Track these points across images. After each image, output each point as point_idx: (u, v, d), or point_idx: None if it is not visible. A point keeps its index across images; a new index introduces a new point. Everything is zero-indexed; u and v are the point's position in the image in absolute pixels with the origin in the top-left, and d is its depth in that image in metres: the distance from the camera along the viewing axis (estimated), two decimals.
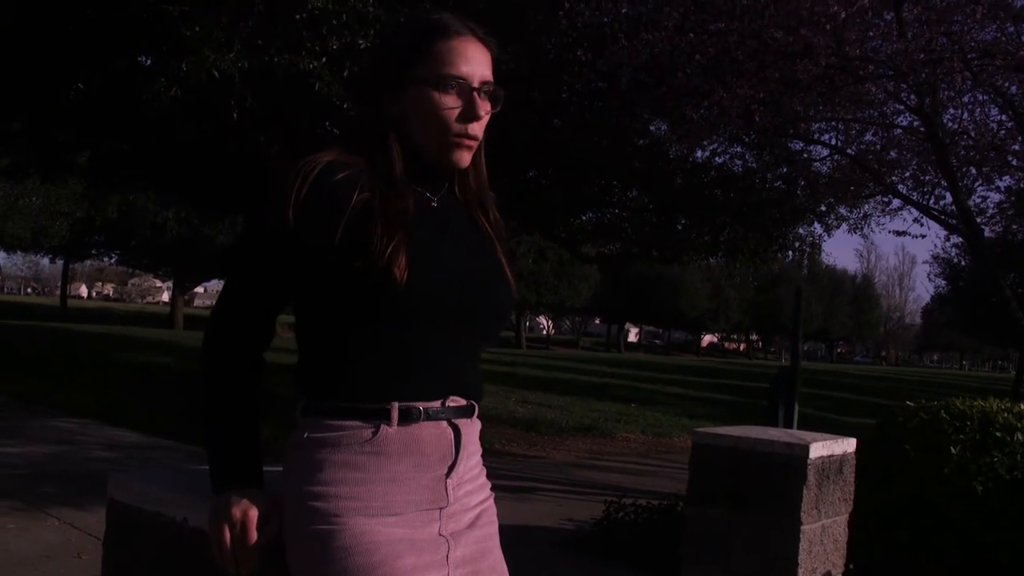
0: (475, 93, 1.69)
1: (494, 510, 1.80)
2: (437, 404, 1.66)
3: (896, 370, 76.67)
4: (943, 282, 38.26)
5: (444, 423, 1.67)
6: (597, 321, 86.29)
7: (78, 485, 6.99)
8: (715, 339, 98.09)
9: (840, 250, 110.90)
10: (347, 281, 1.60)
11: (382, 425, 1.61)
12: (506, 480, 8.51)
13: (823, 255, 70.67)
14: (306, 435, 1.64)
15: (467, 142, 1.71)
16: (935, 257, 35.90)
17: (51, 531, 5.77)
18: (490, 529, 1.77)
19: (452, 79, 1.67)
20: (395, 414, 1.62)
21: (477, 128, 1.72)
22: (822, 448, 3.80)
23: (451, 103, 1.68)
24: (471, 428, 1.73)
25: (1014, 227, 14.91)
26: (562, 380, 24.23)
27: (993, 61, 7.05)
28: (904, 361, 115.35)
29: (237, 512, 1.60)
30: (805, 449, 3.72)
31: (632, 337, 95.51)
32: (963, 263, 32.35)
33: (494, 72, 1.75)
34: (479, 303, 1.71)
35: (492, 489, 1.83)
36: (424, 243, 1.64)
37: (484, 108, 1.71)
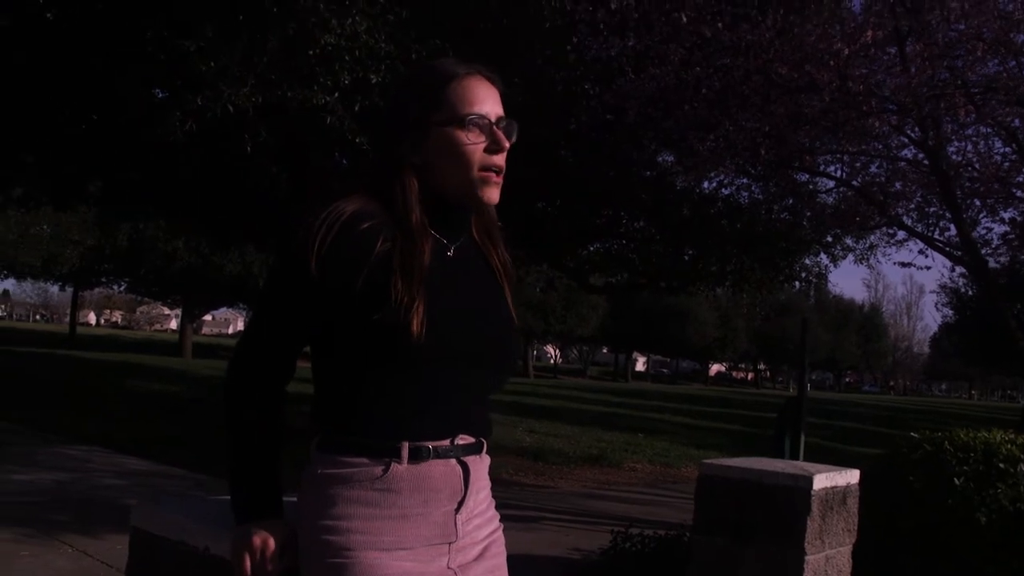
0: (495, 127, 1.77)
1: (503, 541, 1.86)
2: (446, 443, 1.72)
3: (904, 400, 76.40)
4: (950, 311, 38.28)
5: (453, 460, 1.73)
6: (605, 350, 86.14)
7: (90, 512, 7.05)
8: (723, 368, 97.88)
9: (848, 279, 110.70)
10: (365, 328, 1.66)
11: (392, 463, 1.68)
12: (513, 510, 8.54)
13: (829, 285, 70.72)
14: (320, 471, 1.70)
15: (495, 177, 1.78)
16: (942, 287, 35.94)
17: (64, 558, 5.82)
18: (498, 561, 1.83)
19: (473, 116, 1.75)
20: (405, 452, 1.68)
21: (502, 160, 1.78)
22: (826, 479, 3.85)
23: (475, 139, 1.75)
24: (480, 464, 1.80)
25: (1022, 257, 14.92)
26: (569, 409, 24.22)
27: (996, 95, 7.13)
28: (912, 390, 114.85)
29: (257, 541, 1.67)
30: (809, 481, 3.77)
31: (640, 366, 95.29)
32: (970, 292, 32.35)
33: (503, 105, 1.83)
34: (489, 352, 1.78)
35: (500, 520, 1.89)
36: (440, 295, 1.70)
37: (506, 140, 1.78)
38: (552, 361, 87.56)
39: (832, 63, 6.67)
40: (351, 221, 1.68)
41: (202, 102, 6.95)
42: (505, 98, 1.83)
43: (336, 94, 7.50)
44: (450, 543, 1.72)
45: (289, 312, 1.73)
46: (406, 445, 1.68)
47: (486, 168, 1.77)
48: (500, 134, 1.77)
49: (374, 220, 1.70)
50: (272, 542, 1.68)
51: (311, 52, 7.06)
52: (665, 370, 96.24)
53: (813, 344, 70.19)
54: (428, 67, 1.85)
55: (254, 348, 1.76)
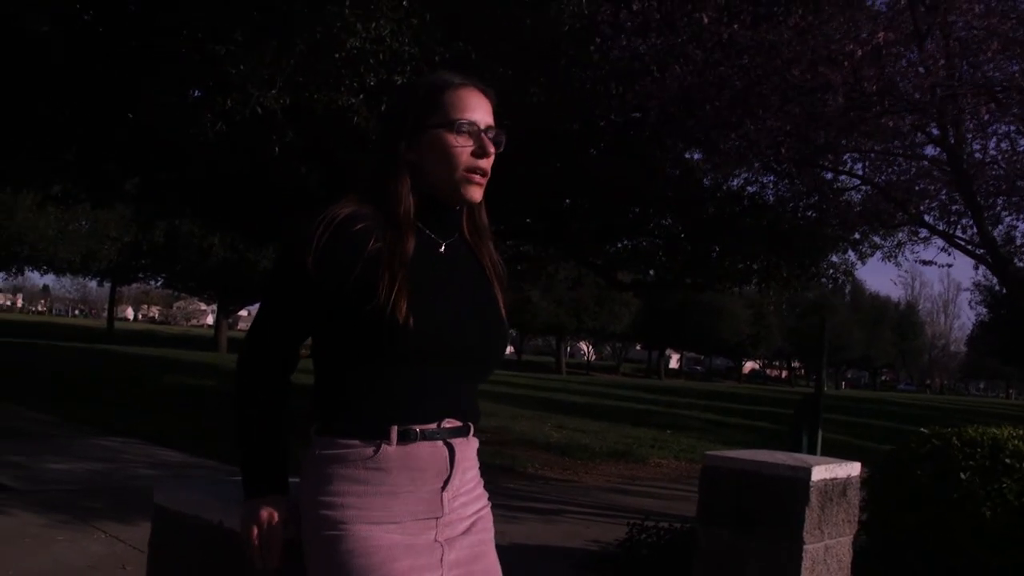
0: (483, 134, 1.95)
1: (490, 519, 2.02)
2: (433, 426, 1.89)
3: (940, 399, 75.56)
4: (984, 309, 37.99)
5: (439, 442, 1.90)
6: (638, 347, 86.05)
7: (124, 501, 7.27)
8: (757, 366, 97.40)
9: (881, 277, 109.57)
10: (357, 321, 1.83)
11: (383, 444, 1.85)
12: (537, 503, 8.68)
13: (860, 282, 70.19)
14: (318, 452, 1.88)
15: (478, 177, 1.95)
16: (976, 285, 35.69)
17: (98, 544, 6.04)
18: (485, 536, 1.99)
19: (463, 122, 1.93)
20: (394, 435, 1.85)
21: (486, 164, 1.96)
22: (825, 471, 3.97)
23: (464, 142, 1.93)
24: (466, 446, 1.96)
25: None
26: (600, 406, 24.31)
27: (1012, 95, 7.18)
28: (949, 389, 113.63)
29: (264, 514, 1.86)
30: (808, 472, 3.89)
31: (673, 363, 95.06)
32: (1004, 291, 32.08)
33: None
34: (475, 345, 1.94)
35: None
36: (428, 288, 1.87)
37: (492, 147, 1.96)
38: (585, 358, 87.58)
39: (846, 64, 6.76)
40: (345, 223, 1.86)
41: (231, 103, 7.17)
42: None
43: (361, 96, 7.69)
44: (437, 518, 1.89)
45: (289, 310, 1.90)
46: (395, 428, 1.85)
47: (471, 170, 1.94)
48: (487, 140, 1.95)
49: (367, 222, 1.87)
50: (277, 515, 1.86)
51: (337, 55, 7.25)
52: (699, 367, 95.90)
53: (847, 342, 69.84)
54: (428, 77, 2.04)
55: (260, 339, 1.93)
